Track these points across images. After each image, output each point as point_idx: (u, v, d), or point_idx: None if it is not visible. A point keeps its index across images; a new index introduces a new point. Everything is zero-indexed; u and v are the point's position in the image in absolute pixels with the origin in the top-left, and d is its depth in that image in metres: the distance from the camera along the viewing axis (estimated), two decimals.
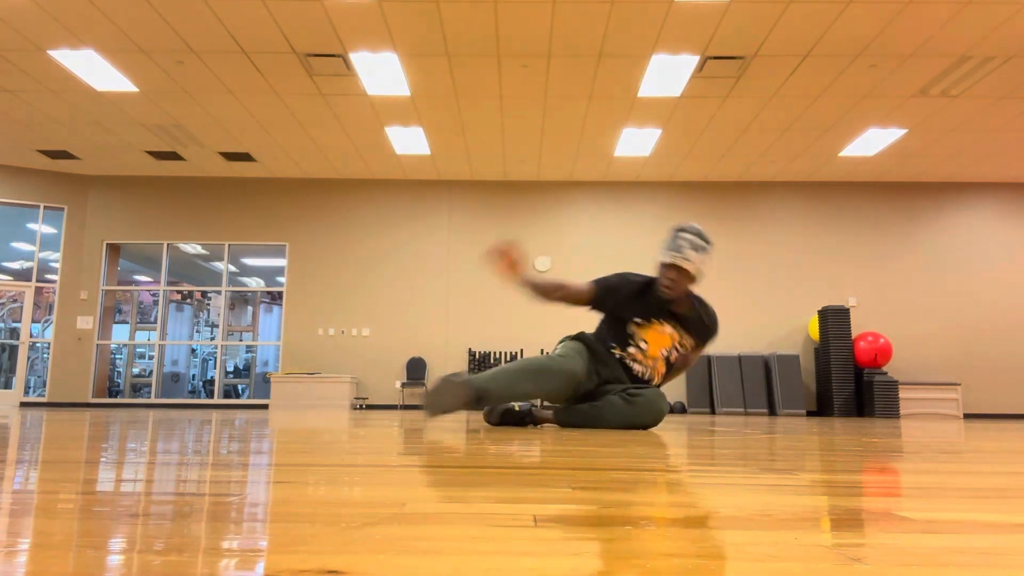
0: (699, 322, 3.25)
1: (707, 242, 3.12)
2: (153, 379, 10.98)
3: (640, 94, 7.67)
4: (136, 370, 12.90)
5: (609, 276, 3.27)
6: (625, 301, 3.21)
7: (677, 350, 3.25)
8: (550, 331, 10.36)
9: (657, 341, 3.19)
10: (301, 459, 1.50)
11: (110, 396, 11.25)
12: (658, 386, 3.27)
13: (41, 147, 9.51)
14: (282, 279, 10.83)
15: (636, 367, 3.18)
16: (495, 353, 10.21)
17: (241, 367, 14.70)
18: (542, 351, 10.12)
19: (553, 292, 3.22)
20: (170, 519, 0.75)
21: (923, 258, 10.48)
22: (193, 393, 12.77)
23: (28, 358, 10.58)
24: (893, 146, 9.10)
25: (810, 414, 10.02)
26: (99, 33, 6.52)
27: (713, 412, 9.56)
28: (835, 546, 0.64)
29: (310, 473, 1.22)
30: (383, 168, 10.30)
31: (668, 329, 3.20)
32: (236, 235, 10.72)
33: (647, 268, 10.50)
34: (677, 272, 3.09)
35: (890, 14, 6.07)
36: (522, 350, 10.25)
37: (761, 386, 9.83)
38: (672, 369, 3.31)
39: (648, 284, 3.22)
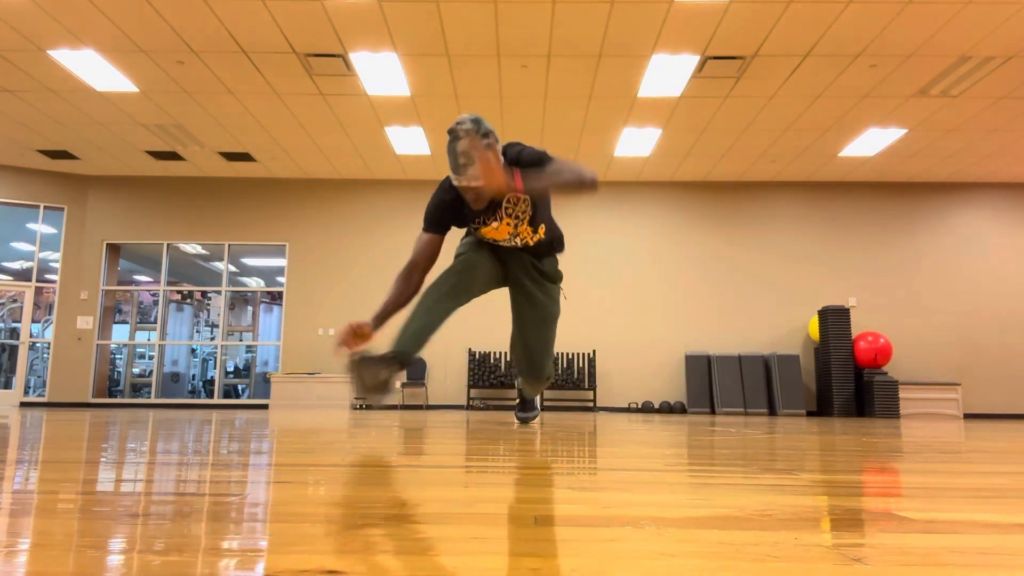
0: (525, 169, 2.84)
1: (476, 130, 2.73)
2: (153, 379, 10.98)
3: (640, 94, 7.67)
4: (136, 370, 12.89)
5: (428, 210, 2.97)
6: (451, 222, 2.98)
7: (521, 222, 3.03)
8: None
9: (497, 234, 3.05)
10: (301, 459, 1.50)
11: (110, 396, 11.25)
12: (540, 243, 3.12)
13: (41, 147, 9.51)
14: (282, 279, 10.83)
15: (504, 244, 3.13)
16: (495, 353, 10.20)
17: (241, 367, 14.69)
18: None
19: (398, 298, 3.02)
20: (170, 519, 0.75)
21: (923, 258, 10.48)
22: (193, 393, 12.77)
23: (28, 358, 10.58)
24: (893, 146, 9.10)
25: (810, 414, 10.02)
26: (99, 33, 6.52)
27: (713, 412, 9.56)
28: (835, 546, 0.64)
29: (310, 473, 1.22)
30: (383, 168, 10.30)
31: (495, 224, 3.00)
32: (236, 235, 10.72)
33: (647, 268, 10.51)
34: (475, 191, 2.80)
35: (890, 14, 6.07)
36: None
37: (761, 386, 9.83)
38: (541, 202, 3.05)
39: (459, 197, 2.92)
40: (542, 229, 3.11)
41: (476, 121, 2.76)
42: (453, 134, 2.74)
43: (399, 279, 3.00)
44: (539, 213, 3.07)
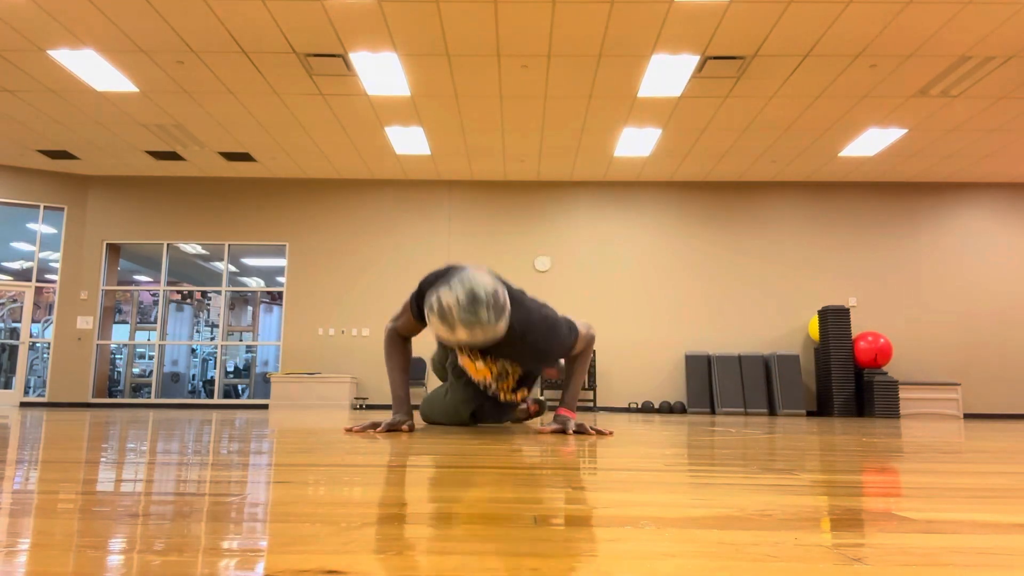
0: (525, 354, 2.65)
1: (483, 303, 2.24)
2: (153, 379, 10.98)
3: (640, 94, 7.67)
4: (136, 370, 12.89)
5: (416, 302, 2.66)
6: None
7: (503, 378, 2.83)
8: None
9: (475, 372, 2.84)
10: (301, 459, 1.50)
11: (110, 396, 11.25)
12: (513, 401, 2.98)
13: (41, 147, 9.51)
14: (282, 279, 10.83)
15: (478, 382, 2.94)
16: None
17: (241, 367, 14.70)
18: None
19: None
20: (170, 519, 0.75)
21: (923, 258, 10.48)
22: (193, 393, 12.77)
23: (28, 358, 10.58)
24: (893, 146, 9.10)
25: (810, 414, 10.02)
26: (99, 33, 6.52)
27: (713, 412, 9.56)
28: (835, 546, 0.64)
29: (310, 473, 1.22)
30: (383, 168, 10.30)
31: (481, 365, 2.78)
32: (236, 235, 10.72)
33: (647, 268, 10.51)
34: (471, 351, 2.64)
35: (890, 14, 6.07)
36: None
37: (761, 386, 9.83)
38: (532, 379, 2.90)
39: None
40: (520, 393, 2.93)
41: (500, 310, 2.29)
42: (452, 309, 2.25)
43: (397, 351, 2.81)
44: (524, 383, 2.90)
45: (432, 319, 2.29)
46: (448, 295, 2.25)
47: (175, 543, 0.62)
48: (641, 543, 0.64)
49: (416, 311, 2.68)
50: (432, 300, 2.28)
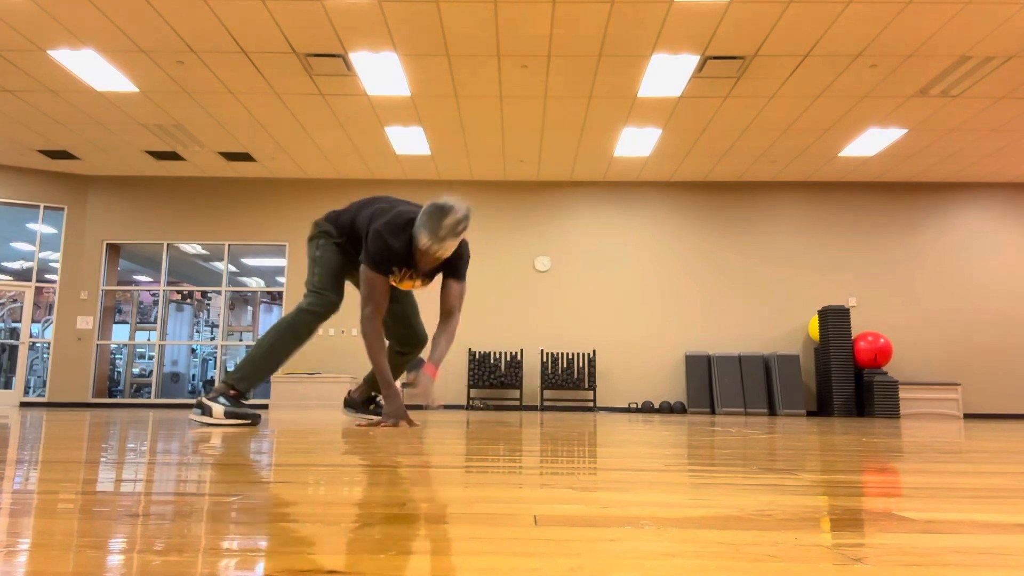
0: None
1: (458, 221, 2.99)
2: (153, 379, 10.98)
3: (640, 94, 7.67)
4: (136, 370, 12.88)
5: (378, 255, 3.13)
6: (393, 267, 3.26)
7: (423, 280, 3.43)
8: (550, 331, 10.35)
9: (404, 287, 3.43)
10: (301, 459, 1.50)
11: (110, 396, 11.24)
12: None
13: (41, 147, 9.51)
14: (282, 279, 10.83)
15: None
16: (495, 353, 10.21)
17: None
18: (543, 351, 10.11)
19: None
20: (170, 519, 0.75)
21: (923, 258, 10.48)
22: (193, 393, 12.76)
23: (28, 358, 10.57)
24: (893, 146, 9.10)
25: (810, 414, 10.02)
26: (99, 33, 6.52)
27: (713, 412, 9.56)
28: (835, 546, 0.64)
29: (310, 473, 1.22)
30: (383, 168, 10.29)
31: (416, 282, 3.36)
32: (236, 235, 10.72)
33: (647, 268, 10.51)
34: (432, 262, 3.14)
35: (890, 14, 6.07)
36: (522, 350, 10.24)
37: (761, 386, 9.83)
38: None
39: (408, 252, 3.17)
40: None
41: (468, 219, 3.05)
42: (455, 220, 2.94)
43: (379, 335, 3.25)
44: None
45: (431, 240, 2.95)
46: (450, 215, 2.92)
47: (175, 543, 0.62)
48: (641, 543, 0.64)
49: (385, 264, 3.13)
50: (435, 223, 2.92)
